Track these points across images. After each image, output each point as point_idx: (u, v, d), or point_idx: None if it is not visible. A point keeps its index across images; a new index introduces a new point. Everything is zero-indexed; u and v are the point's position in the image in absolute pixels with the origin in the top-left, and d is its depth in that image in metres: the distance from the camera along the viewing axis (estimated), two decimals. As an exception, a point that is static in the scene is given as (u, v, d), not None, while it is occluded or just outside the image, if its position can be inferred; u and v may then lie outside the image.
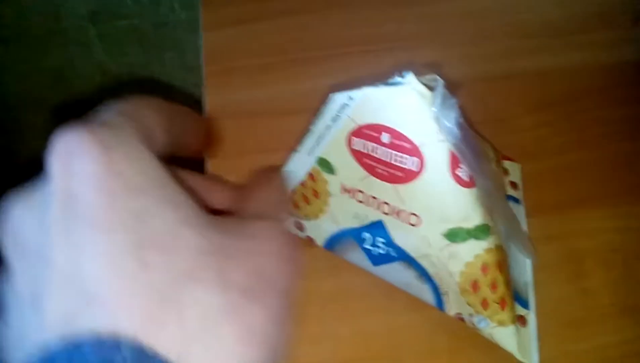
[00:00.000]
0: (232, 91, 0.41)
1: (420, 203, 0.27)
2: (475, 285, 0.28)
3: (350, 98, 0.28)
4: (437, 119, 0.25)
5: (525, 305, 0.29)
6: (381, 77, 0.28)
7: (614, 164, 0.36)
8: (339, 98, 0.28)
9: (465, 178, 0.26)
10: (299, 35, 0.44)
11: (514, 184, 0.33)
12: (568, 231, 0.33)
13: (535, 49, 0.43)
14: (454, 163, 0.26)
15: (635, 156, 0.36)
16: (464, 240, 0.27)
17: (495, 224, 0.27)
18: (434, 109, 0.25)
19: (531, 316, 0.28)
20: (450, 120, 0.25)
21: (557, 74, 0.41)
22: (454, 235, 0.27)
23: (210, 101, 0.41)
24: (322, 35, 0.44)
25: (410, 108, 0.26)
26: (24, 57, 0.70)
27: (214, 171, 0.37)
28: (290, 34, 0.44)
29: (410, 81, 0.25)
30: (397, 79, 0.26)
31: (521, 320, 0.28)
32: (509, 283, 0.28)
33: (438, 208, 0.27)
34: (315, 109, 0.39)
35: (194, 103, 0.77)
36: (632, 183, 0.35)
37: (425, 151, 0.26)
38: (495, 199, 0.27)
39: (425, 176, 0.27)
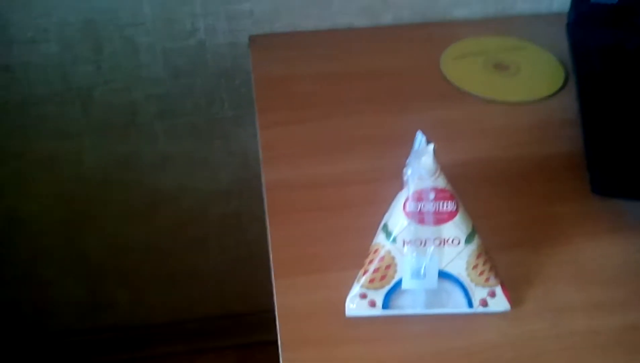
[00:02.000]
0: (281, 170, 0.59)
1: (460, 229, 0.44)
2: (475, 267, 0.45)
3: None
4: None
5: None
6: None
7: (539, 222, 0.54)
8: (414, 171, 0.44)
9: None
10: (326, 133, 0.63)
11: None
12: (506, 262, 0.50)
13: (491, 146, 0.62)
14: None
15: (553, 217, 0.54)
16: (468, 242, 0.44)
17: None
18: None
19: None
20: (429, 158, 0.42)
21: (505, 162, 0.60)
22: (467, 240, 0.44)
23: (267, 177, 0.59)
24: (340, 133, 0.63)
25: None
26: (103, 144, 0.89)
27: (274, 225, 0.54)
28: (319, 132, 0.63)
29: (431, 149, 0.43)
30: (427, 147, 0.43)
31: None
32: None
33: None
34: (342, 184, 0.57)
35: (232, 178, 0.96)
36: (551, 234, 0.53)
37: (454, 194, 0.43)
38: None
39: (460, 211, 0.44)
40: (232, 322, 1.18)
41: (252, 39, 0.78)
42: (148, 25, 0.79)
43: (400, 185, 0.45)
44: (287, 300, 0.48)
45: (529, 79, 0.71)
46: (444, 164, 0.44)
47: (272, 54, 0.75)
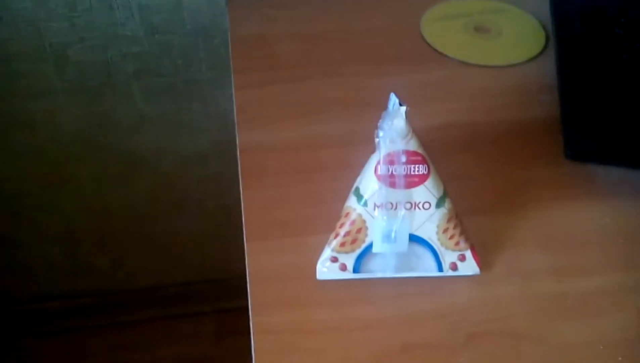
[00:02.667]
0: (256, 133, 0.58)
1: (430, 193, 0.44)
2: (445, 231, 0.45)
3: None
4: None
5: None
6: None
7: (512, 187, 0.54)
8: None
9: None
10: (302, 95, 0.62)
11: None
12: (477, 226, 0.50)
13: (467, 109, 0.61)
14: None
15: (526, 182, 0.54)
16: (439, 206, 0.44)
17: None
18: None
19: None
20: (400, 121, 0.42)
21: (480, 126, 0.59)
22: (438, 204, 0.44)
23: (241, 139, 0.58)
24: (318, 94, 0.62)
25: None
26: (79, 104, 0.87)
27: (247, 188, 0.54)
28: (295, 94, 0.62)
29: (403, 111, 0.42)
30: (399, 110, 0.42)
31: None
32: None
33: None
34: (316, 147, 0.57)
35: (211, 142, 0.95)
36: (523, 199, 0.53)
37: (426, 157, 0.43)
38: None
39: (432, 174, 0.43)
40: (211, 287, 1.19)
41: (231, -3, 0.77)
42: (123, -19, 0.76)
43: (374, 149, 0.45)
44: (258, 263, 0.48)
45: (510, 42, 0.70)
46: (418, 128, 0.43)
47: (250, 13, 0.73)
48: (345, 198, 0.46)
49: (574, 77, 0.60)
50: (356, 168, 0.46)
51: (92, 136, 0.91)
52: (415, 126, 0.43)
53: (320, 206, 0.52)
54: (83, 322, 1.20)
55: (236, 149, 0.57)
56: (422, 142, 0.43)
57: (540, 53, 0.69)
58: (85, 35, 0.80)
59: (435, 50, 0.69)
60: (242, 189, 0.54)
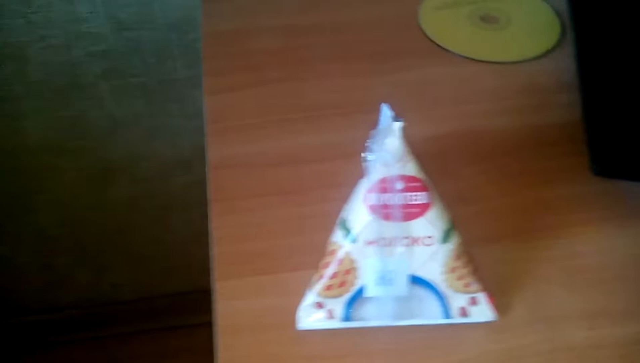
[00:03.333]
0: (230, 145, 0.50)
1: (434, 226, 0.36)
2: (453, 270, 0.37)
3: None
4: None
5: None
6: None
7: (530, 208, 0.46)
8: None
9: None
10: (283, 101, 0.54)
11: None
12: (490, 259, 0.42)
13: (478, 113, 0.53)
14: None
15: (547, 201, 0.46)
16: (445, 241, 0.36)
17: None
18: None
19: None
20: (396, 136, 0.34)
21: (493, 134, 0.51)
22: (443, 238, 0.36)
23: (212, 154, 0.50)
24: (302, 99, 0.54)
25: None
26: (45, 109, 0.79)
27: (218, 214, 0.46)
28: (275, 99, 0.54)
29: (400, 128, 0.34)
30: (393, 125, 0.34)
31: None
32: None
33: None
34: (300, 162, 0.49)
35: (193, 144, 0.87)
36: (545, 223, 0.45)
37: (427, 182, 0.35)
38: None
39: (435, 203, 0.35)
40: (203, 297, 1.11)
41: (205, -13, 0.68)
42: (84, -29, 0.68)
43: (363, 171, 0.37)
44: (230, 308, 0.41)
45: (521, 33, 0.62)
46: (417, 139, 0.36)
47: (227, 5, 0.65)
48: (333, 224, 0.38)
49: (598, 74, 0.52)
50: (347, 187, 0.38)
51: (62, 143, 0.84)
52: (413, 136, 0.35)
53: (304, 235, 0.44)
54: (67, 336, 1.13)
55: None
56: (422, 155, 0.36)
57: (556, 46, 0.60)
58: (45, 33, 0.71)
59: (436, 44, 0.60)
60: (212, 215, 0.46)
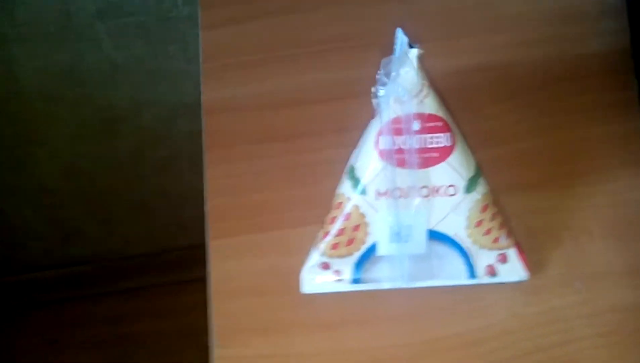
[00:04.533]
0: (226, 86, 0.45)
1: (457, 173, 0.31)
2: (479, 224, 0.32)
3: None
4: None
5: None
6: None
7: (568, 150, 0.40)
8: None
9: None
10: (287, 34, 0.48)
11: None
12: (522, 209, 0.37)
13: (507, 43, 0.46)
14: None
15: (587, 142, 0.40)
16: (470, 190, 0.32)
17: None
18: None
19: None
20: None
21: (525, 66, 0.45)
22: (468, 187, 0.32)
23: (206, 96, 0.45)
24: (307, 32, 0.48)
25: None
26: (38, 54, 0.75)
27: (213, 162, 0.41)
28: (278, 32, 0.48)
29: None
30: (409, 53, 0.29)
31: None
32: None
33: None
34: (303, 103, 0.43)
35: (198, 88, 0.82)
36: (584, 167, 0.39)
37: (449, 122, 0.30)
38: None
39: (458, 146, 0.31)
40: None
41: None
42: None
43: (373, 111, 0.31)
44: (224, 270, 0.37)
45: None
46: (438, 73, 0.31)
47: None
48: (340, 174, 0.34)
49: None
50: (356, 131, 0.34)
51: (58, 90, 0.79)
52: (434, 69, 0.30)
53: (307, 186, 0.40)
54: (79, 291, 1.12)
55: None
56: (444, 92, 0.31)
57: (599, -36, 0.53)
58: (31, -32, 0.66)
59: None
60: (206, 165, 0.41)
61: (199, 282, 1.13)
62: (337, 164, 0.34)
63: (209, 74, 0.46)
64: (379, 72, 0.30)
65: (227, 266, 0.36)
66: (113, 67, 0.78)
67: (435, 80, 0.31)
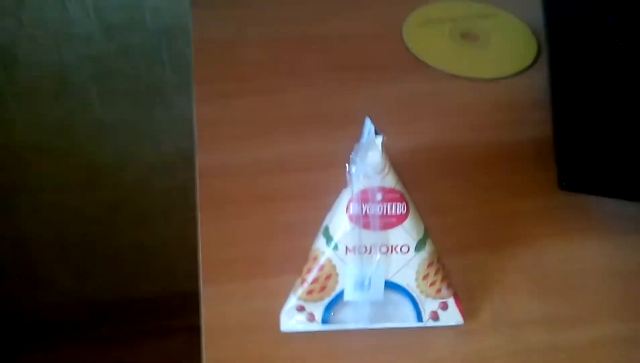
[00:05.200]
0: (218, 154, 0.52)
1: (409, 235, 0.38)
2: (425, 277, 0.40)
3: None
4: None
5: None
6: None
7: (501, 220, 0.49)
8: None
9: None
10: (271, 111, 0.56)
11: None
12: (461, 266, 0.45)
13: (455, 127, 0.56)
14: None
15: (517, 213, 0.49)
16: (419, 249, 0.39)
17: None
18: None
19: None
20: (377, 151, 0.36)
21: (468, 147, 0.54)
22: (418, 247, 0.39)
23: (201, 161, 0.52)
24: (289, 110, 0.56)
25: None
26: (33, 109, 0.81)
27: (206, 220, 0.48)
28: (264, 109, 0.56)
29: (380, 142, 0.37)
30: (375, 140, 0.37)
31: None
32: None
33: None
34: (286, 171, 0.51)
35: (177, 149, 0.89)
36: (514, 234, 0.48)
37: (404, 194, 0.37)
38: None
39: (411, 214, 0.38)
40: (181, 302, 1.12)
41: (195, -4, 0.70)
42: (77, -26, 0.70)
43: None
44: (215, 311, 0.43)
45: (499, 52, 0.65)
46: (398, 150, 0.39)
47: (216, 13, 0.67)
48: (317, 231, 0.40)
49: (569, 94, 0.55)
50: (330, 196, 0.40)
51: (48, 143, 0.85)
52: (394, 147, 0.37)
53: (288, 242, 0.46)
54: (45, 339, 1.13)
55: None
56: (400, 165, 0.38)
57: (533, 64, 0.64)
58: (35, 33, 0.73)
59: (418, 59, 0.63)
60: (200, 221, 0.48)
61: (165, 332, 1.17)
62: (313, 224, 0.40)
63: (203, 143, 0.53)
64: (351, 152, 0.38)
65: (217, 309, 0.42)
66: (101, 126, 0.84)
67: (394, 155, 0.38)
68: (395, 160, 0.38)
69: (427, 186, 0.50)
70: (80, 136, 0.85)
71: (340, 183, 0.39)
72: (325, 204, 0.40)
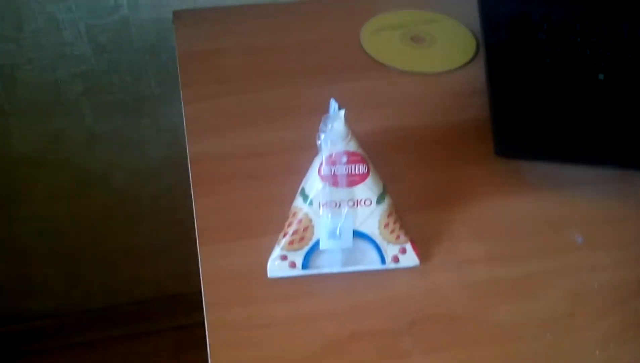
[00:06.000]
0: (206, 143, 0.61)
1: (371, 191, 0.47)
2: (386, 226, 0.48)
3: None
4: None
5: None
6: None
7: (446, 184, 0.58)
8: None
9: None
10: (250, 106, 0.65)
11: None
12: (417, 221, 0.54)
13: (406, 113, 0.65)
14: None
15: (460, 179, 0.58)
16: (379, 202, 0.47)
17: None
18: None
19: None
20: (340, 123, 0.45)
21: (418, 129, 0.63)
22: (379, 200, 0.47)
23: (192, 150, 0.60)
24: (265, 104, 0.65)
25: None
26: (29, 125, 0.88)
27: (199, 195, 0.56)
28: (243, 105, 0.65)
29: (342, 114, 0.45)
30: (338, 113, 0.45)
31: None
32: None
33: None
34: (265, 154, 0.59)
35: (163, 156, 0.96)
36: (459, 195, 0.57)
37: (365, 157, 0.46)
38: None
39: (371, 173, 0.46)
40: (168, 303, 1.19)
41: (176, 14, 0.79)
42: (70, 1, 0.78)
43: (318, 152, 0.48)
44: (212, 265, 0.51)
45: (443, 50, 0.75)
46: (359, 132, 0.46)
47: (196, 29, 0.76)
48: (294, 199, 0.49)
49: (502, 80, 0.65)
50: (303, 172, 0.49)
51: (43, 156, 0.92)
52: (356, 130, 0.46)
53: (270, 209, 0.54)
54: (37, 345, 1.18)
55: (188, 164, 0.59)
56: (363, 144, 0.46)
57: (472, 59, 0.74)
58: (33, 56, 0.81)
59: (375, 60, 0.73)
60: (194, 197, 0.56)
61: (153, 333, 1.22)
62: (290, 194, 0.49)
63: (192, 136, 0.62)
64: (320, 125, 0.46)
65: (214, 263, 0.50)
66: (92, 137, 0.92)
67: (359, 137, 0.47)
68: (359, 140, 0.46)
69: (384, 162, 0.57)
70: (73, 147, 0.91)
71: (309, 161, 0.47)
72: (297, 178, 0.49)
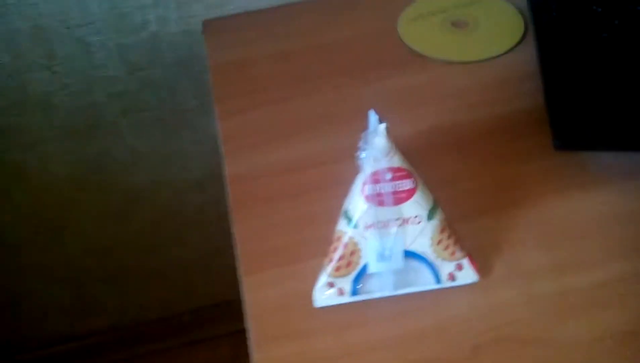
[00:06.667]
0: (243, 161, 0.58)
1: (420, 207, 0.43)
2: (439, 242, 0.44)
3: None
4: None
5: None
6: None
7: (503, 185, 0.53)
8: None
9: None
10: (284, 117, 0.62)
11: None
12: (472, 230, 0.50)
13: (451, 109, 0.60)
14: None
15: (517, 177, 0.54)
16: (430, 218, 0.44)
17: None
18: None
19: None
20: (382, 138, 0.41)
21: (466, 125, 0.59)
22: (429, 216, 0.44)
23: (229, 170, 0.58)
24: (301, 114, 0.62)
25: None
26: (69, 150, 0.88)
27: (239, 220, 0.54)
28: (278, 116, 0.62)
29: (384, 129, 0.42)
30: (379, 127, 0.41)
31: None
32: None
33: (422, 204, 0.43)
34: (304, 168, 0.56)
35: (206, 167, 0.94)
36: (517, 196, 0.52)
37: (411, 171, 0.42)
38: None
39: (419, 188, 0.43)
40: (223, 310, 1.19)
41: (205, 24, 0.76)
42: (98, 23, 0.76)
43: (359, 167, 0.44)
44: (257, 297, 0.48)
45: (489, 34, 0.69)
46: (403, 135, 0.44)
47: (226, 38, 0.73)
48: (337, 217, 0.45)
49: (556, 62, 0.60)
50: (346, 184, 0.45)
51: (86, 178, 0.92)
52: (399, 134, 0.43)
53: (314, 229, 0.52)
54: (98, 358, 1.20)
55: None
56: (407, 149, 0.43)
57: (521, 41, 0.68)
58: (68, 81, 0.80)
59: (415, 52, 0.68)
60: (234, 221, 0.53)
61: (209, 340, 1.23)
62: (334, 211, 0.46)
63: (229, 154, 0.59)
64: (360, 141, 0.43)
65: (258, 294, 0.48)
66: (133, 155, 0.91)
67: (399, 140, 0.43)
68: (400, 145, 0.43)
69: (432, 164, 0.54)
70: (115, 167, 0.91)
71: (352, 172, 0.44)
72: (341, 192, 0.46)
